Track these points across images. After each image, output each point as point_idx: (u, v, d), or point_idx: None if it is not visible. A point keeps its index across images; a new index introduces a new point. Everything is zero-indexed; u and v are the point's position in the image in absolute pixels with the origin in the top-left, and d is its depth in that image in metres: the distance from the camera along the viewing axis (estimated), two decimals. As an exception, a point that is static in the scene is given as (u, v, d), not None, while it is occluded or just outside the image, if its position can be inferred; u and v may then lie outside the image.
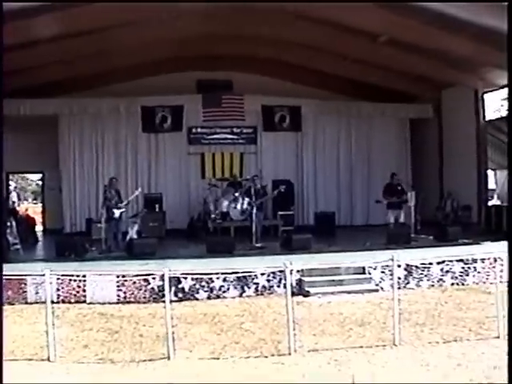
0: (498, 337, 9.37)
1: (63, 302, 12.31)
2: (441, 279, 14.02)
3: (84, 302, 12.47)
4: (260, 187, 17.94)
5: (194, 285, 12.77)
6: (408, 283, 13.72)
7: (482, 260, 14.20)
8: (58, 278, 11.93)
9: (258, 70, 22.93)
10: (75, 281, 12.36)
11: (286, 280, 9.42)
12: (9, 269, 11.42)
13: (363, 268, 13.68)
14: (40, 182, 23.74)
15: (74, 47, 17.43)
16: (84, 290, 12.55)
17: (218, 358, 8.65)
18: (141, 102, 21.91)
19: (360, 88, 24.17)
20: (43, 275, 9.32)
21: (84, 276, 12.53)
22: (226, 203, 19.91)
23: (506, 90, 25.20)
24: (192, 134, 23.11)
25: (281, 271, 10.88)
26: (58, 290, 12.31)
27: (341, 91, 24.27)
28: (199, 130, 23.14)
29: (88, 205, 21.99)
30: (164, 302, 9.21)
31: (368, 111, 24.33)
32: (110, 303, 12.40)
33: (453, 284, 14.02)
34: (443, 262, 14.04)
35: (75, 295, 12.52)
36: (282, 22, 18.34)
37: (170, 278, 10.15)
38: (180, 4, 15.58)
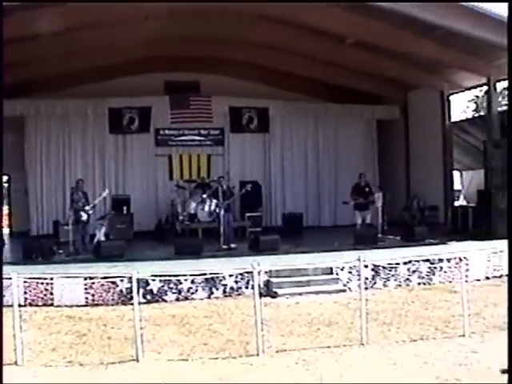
0: (464, 335, 9.51)
1: (30, 305, 12.23)
2: (408, 279, 14.15)
3: (51, 304, 12.39)
4: (226, 188, 17.94)
5: (163, 287, 12.76)
6: (375, 283, 13.84)
7: (448, 260, 14.38)
8: (25, 281, 11.87)
9: (225, 71, 22.93)
10: (42, 284, 12.29)
11: (253, 281, 9.45)
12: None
13: (331, 269, 13.77)
14: (6, 185, 23.48)
15: (41, 48, 17.30)
16: (51, 293, 12.48)
17: (187, 360, 8.66)
18: (108, 103, 21.79)
19: (327, 89, 24.31)
20: (10, 278, 9.26)
21: (51, 279, 12.44)
22: (193, 205, 19.91)
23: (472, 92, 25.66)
24: (159, 136, 23.06)
25: (249, 272, 10.92)
26: (25, 293, 12.22)
27: (308, 92, 24.37)
28: (167, 131, 23.10)
29: (55, 207, 21.81)
30: (132, 304, 9.19)
31: (335, 112, 24.47)
32: (77, 306, 12.34)
33: (419, 283, 14.17)
34: (410, 262, 14.19)
35: (43, 298, 12.44)
36: (249, 24, 18.38)
37: (138, 280, 10.13)
38: (147, 5, 15.53)
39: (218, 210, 17.52)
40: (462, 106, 43.29)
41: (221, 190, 17.49)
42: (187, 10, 16.41)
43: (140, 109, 22.18)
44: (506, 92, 18.16)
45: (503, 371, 7.42)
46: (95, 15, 15.88)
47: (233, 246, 17.15)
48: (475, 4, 15.99)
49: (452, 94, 22.69)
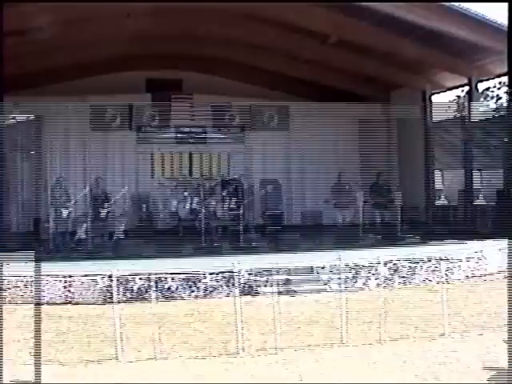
0: (444, 334, 9.54)
1: (10, 303, 12.13)
2: (388, 278, 14.16)
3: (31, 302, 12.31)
4: (247, 187, 17.80)
5: (143, 285, 12.69)
6: (356, 282, 13.82)
7: (429, 259, 14.40)
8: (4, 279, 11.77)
9: (207, 69, 22.90)
10: (22, 281, 12.20)
11: (234, 280, 9.43)
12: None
13: (311, 267, 13.76)
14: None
15: (22, 44, 17.18)
16: (31, 291, 12.38)
17: (167, 358, 8.63)
18: (90, 100, 21.61)
19: (309, 88, 24.29)
20: (-12, 276, 9.20)
21: (31, 276, 12.36)
22: (175, 203, 19.84)
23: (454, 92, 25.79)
24: (141, 133, 22.97)
25: (230, 271, 10.90)
26: (3, 290, 12.12)
27: (290, 91, 24.37)
28: (148, 129, 23.01)
29: (36, 204, 21.67)
30: (112, 302, 9.15)
31: (317, 111, 24.39)
32: (57, 304, 12.25)
33: (400, 283, 14.17)
34: (391, 261, 14.19)
35: (22, 296, 12.35)
36: (232, 22, 18.37)
37: (119, 278, 10.09)
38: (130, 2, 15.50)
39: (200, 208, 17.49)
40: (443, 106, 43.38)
41: (241, 188, 17.44)
42: (171, 8, 16.38)
43: (122, 106, 22.07)
44: (506, 91, 18.19)
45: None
46: (76, 12, 15.80)
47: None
48: (457, 4, 16.07)
49: (434, 93, 22.76)
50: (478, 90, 20.02)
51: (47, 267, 13.36)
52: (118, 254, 15.71)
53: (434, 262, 14.25)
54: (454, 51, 18.25)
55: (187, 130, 23.41)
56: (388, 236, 17.90)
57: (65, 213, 16.27)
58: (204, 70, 22.90)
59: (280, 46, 20.44)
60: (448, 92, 24.44)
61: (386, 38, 17.91)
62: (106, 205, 16.48)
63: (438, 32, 16.70)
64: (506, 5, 14.91)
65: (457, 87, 23.12)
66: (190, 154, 23.31)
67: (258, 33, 19.07)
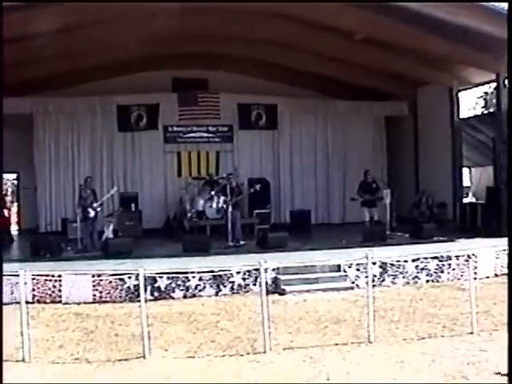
0: (472, 333, 9.47)
1: (38, 302, 12.26)
2: (416, 276, 14.11)
3: (60, 301, 12.42)
4: (235, 185, 17.85)
5: (170, 284, 12.76)
6: (383, 280, 13.80)
7: (457, 257, 14.33)
8: (34, 278, 11.88)
9: (233, 68, 22.89)
10: (51, 281, 12.33)
11: (261, 278, 9.43)
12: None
13: (339, 266, 13.75)
14: (15, 182, 23.56)
15: (49, 46, 17.28)
16: (60, 290, 12.50)
17: (194, 357, 8.65)
18: (116, 100, 21.76)
19: (336, 86, 24.21)
20: (18, 275, 9.27)
21: (60, 276, 12.47)
22: (202, 202, 19.86)
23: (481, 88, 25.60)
24: (168, 133, 23.02)
25: (256, 269, 10.89)
26: (33, 290, 12.25)
27: (317, 89, 24.33)
28: (175, 128, 23.05)
29: (64, 204, 21.85)
30: (140, 301, 9.19)
31: (344, 109, 24.36)
32: (85, 303, 12.36)
33: (428, 281, 14.12)
34: (418, 259, 14.14)
35: (51, 295, 12.47)
36: (258, 21, 18.34)
37: (146, 277, 10.14)
38: (157, 3, 15.53)
39: (225, 207, 17.48)
40: (471, 103, 43.13)
41: (229, 187, 17.48)
42: (196, 8, 16.41)
43: (148, 106, 22.15)
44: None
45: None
46: (102, 12, 15.88)
47: (242, 242, 17.17)
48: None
49: (461, 90, 22.59)
50: (505, 86, 19.80)
51: (75, 266, 13.57)
52: (144, 253, 15.82)
53: (462, 259, 14.21)
54: (481, 47, 18.09)
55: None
56: (415, 234, 17.84)
57: (92, 213, 16.34)
58: (230, 69, 22.91)
59: (305, 44, 20.34)
60: (475, 88, 24.28)
61: (412, 34, 17.79)
62: (95, 205, 16.50)
63: (464, 27, 16.57)
64: (505, 4, 14.92)
65: (484, 83, 22.95)
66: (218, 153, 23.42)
67: (284, 31, 18.99)
